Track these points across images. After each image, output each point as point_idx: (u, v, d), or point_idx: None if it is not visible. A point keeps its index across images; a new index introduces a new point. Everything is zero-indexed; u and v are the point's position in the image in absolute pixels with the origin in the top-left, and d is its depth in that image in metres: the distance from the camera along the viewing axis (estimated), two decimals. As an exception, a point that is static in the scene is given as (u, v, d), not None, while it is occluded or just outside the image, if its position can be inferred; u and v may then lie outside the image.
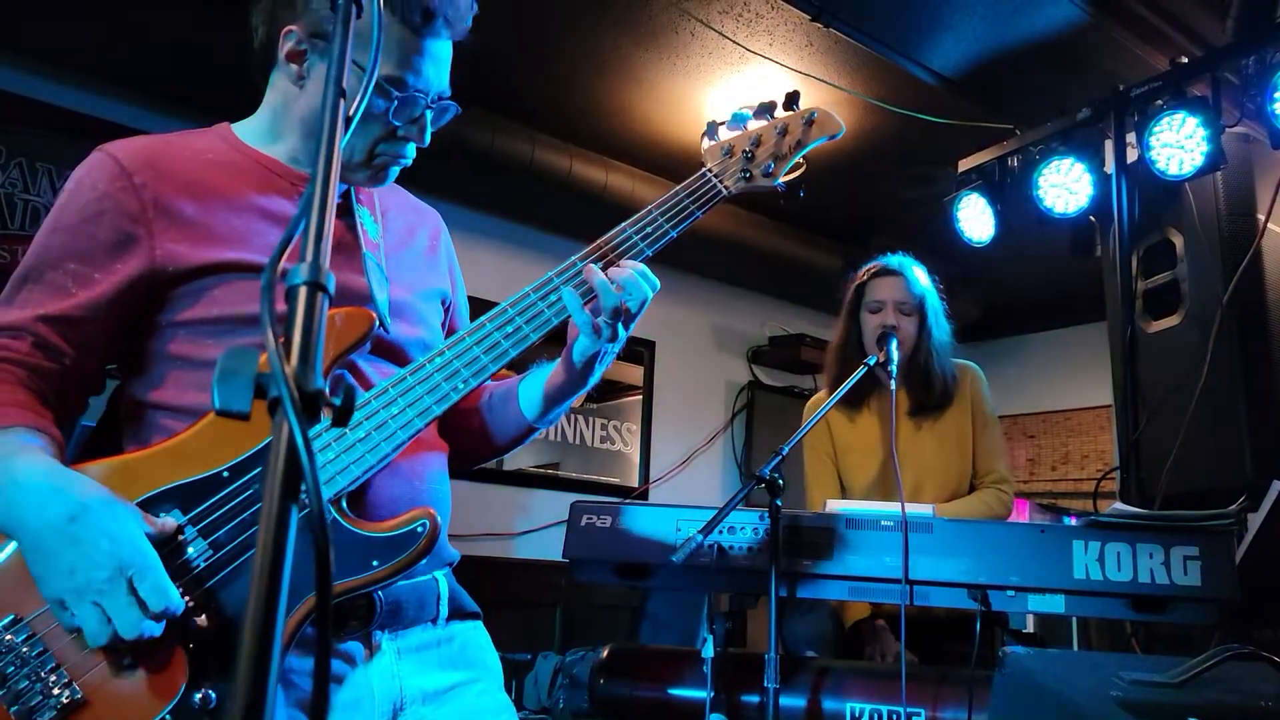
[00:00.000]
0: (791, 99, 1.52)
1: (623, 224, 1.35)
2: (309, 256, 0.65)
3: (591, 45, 3.79)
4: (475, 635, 1.40)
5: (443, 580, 1.36)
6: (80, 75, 3.63)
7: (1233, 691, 1.31)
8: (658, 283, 1.30)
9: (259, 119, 1.35)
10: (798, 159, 1.51)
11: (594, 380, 1.38)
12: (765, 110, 1.50)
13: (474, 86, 3.98)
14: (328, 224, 0.67)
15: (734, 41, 3.65)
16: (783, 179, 1.49)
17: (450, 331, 1.49)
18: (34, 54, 3.52)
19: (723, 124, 1.49)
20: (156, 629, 1.05)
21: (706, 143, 1.49)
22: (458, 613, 1.38)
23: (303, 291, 0.63)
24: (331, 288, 0.65)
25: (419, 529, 1.15)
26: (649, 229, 1.36)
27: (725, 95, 4.13)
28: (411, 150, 1.33)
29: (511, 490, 4.82)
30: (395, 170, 1.35)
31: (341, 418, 0.60)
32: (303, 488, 0.56)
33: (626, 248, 1.34)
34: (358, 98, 0.80)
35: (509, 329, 1.27)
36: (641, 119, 4.38)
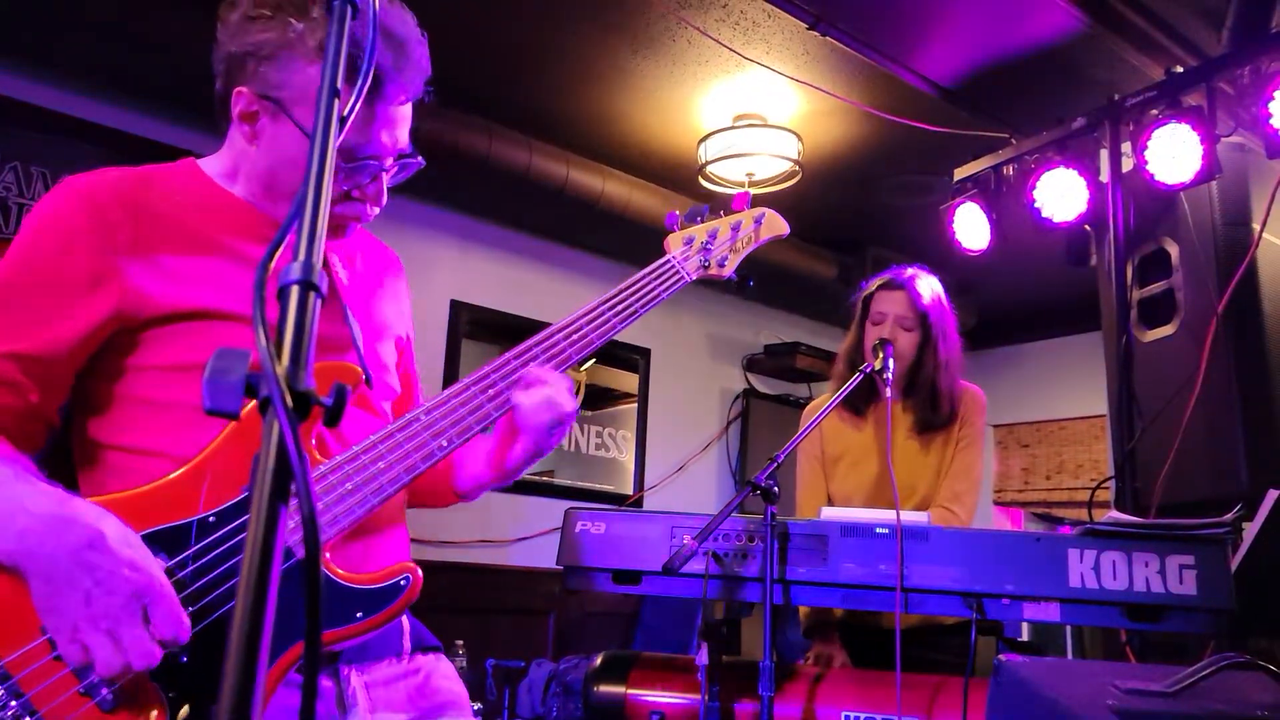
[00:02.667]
0: (738, 199, 1.73)
1: (595, 301, 1.47)
2: (301, 255, 0.64)
3: (589, 52, 3.79)
4: (440, 666, 1.42)
5: (403, 616, 1.38)
6: (76, 78, 3.62)
7: (1229, 701, 1.31)
8: (567, 407, 1.36)
9: (223, 159, 1.34)
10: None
11: (520, 475, 1.47)
12: (720, 208, 1.69)
13: (470, 93, 3.98)
14: (321, 223, 0.66)
15: (731, 49, 3.66)
16: (734, 270, 1.68)
17: (403, 375, 1.52)
18: (30, 57, 3.51)
19: (683, 216, 1.68)
20: (159, 656, 1.03)
21: (670, 232, 1.66)
22: (420, 646, 1.40)
23: (294, 291, 0.62)
24: (324, 288, 0.64)
25: (402, 582, 1.18)
26: (620, 307, 1.48)
27: (722, 102, 4.14)
28: (371, 210, 1.34)
29: (505, 497, 4.81)
30: (355, 226, 1.36)
31: (332, 418, 0.60)
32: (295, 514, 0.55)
33: (600, 323, 1.45)
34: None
35: (490, 391, 1.32)
36: (638, 126, 4.38)
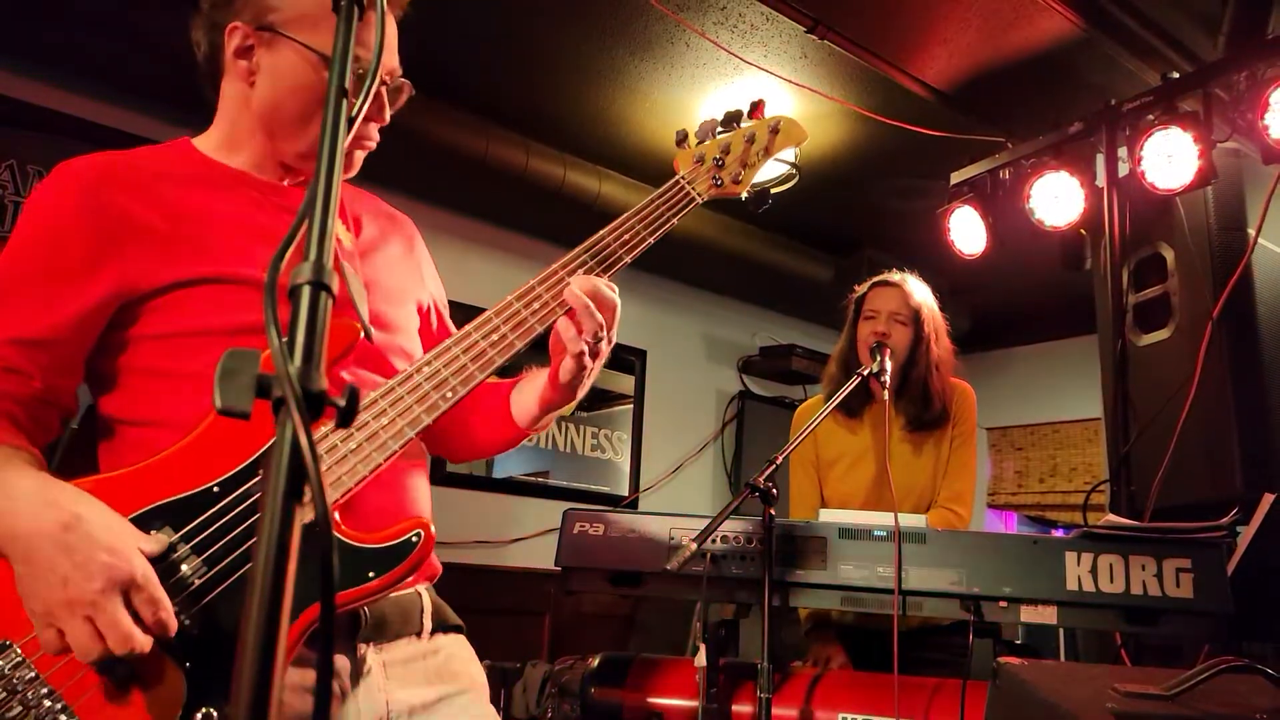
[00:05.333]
0: (756, 107, 1.57)
1: (601, 232, 1.37)
2: (312, 256, 0.64)
3: (587, 55, 3.79)
4: (460, 648, 1.40)
5: (425, 594, 1.36)
6: (73, 78, 3.61)
7: (1229, 705, 1.31)
8: (615, 299, 1.31)
9: (217, 131, 1.34)
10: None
11: (583, 392, 1.39)
12: (733, 119, 1.55)
13: (469, 95, 3.97)
14: (331, 222, 0.66)
15: (729, 52, 3.66)
16: (749, 188, 1.55)
17: (436, 336, 1.49)
18: (25, 56, 3.50)
19: (693, 132, 1.54)
20: (147, 644, 1.02)
21: (678, 151, 1.54)
22: (441, 626, 1.38)
23: (306, 291, 0.62)
24: (335, 288, 0.64)
25: (414, 539, 1.15)
26: (627, 237, 1.39)
27: (719, 105, 4.13)
28: (374, 131, 1.33)
29: (501, 498, 4.80)
30: (361, 156, 1.35)
31: (345, 418, 0.60)
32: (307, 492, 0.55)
33: (607, 255, 1.36)
34: (361, 96, 0.79)
35: (495, 337, 1.27)
36: (636, 128, 4.38)
